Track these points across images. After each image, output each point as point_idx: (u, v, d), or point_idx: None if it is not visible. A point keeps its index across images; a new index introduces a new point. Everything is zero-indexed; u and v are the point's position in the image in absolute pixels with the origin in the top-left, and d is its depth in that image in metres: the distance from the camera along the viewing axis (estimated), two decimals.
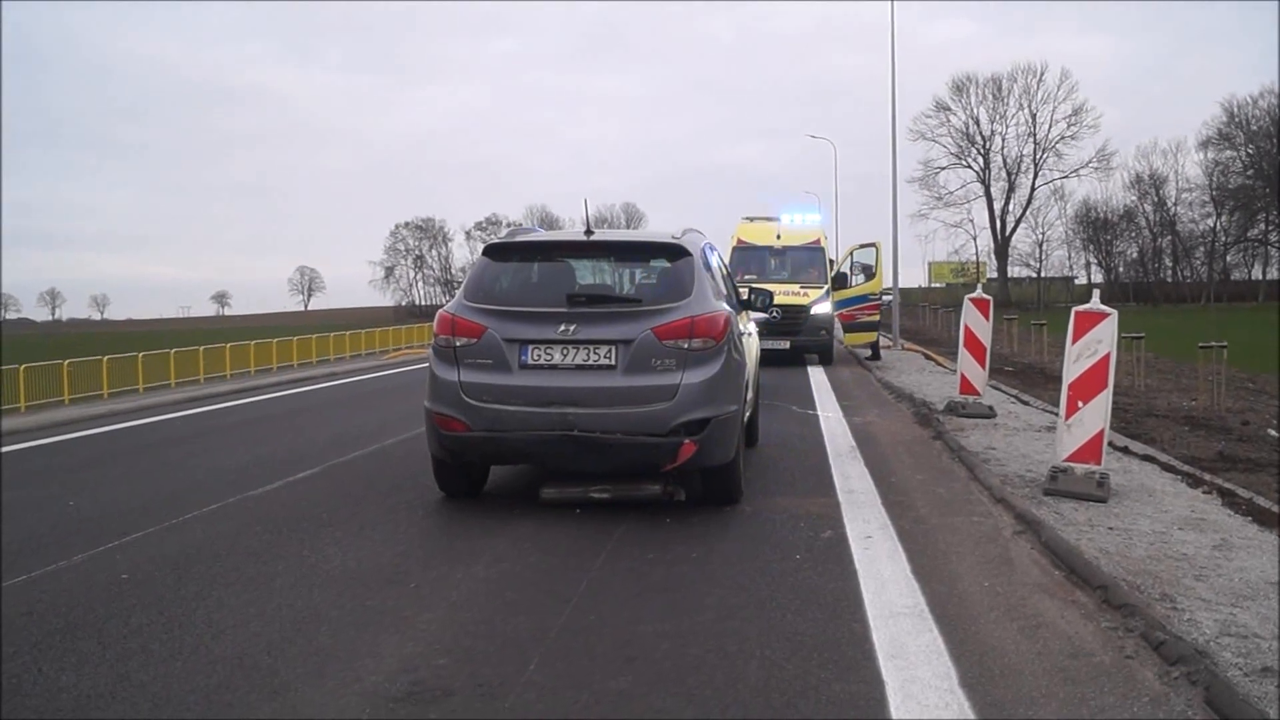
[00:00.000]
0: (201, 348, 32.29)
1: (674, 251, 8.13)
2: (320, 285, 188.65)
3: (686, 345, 7.44)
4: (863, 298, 26.21)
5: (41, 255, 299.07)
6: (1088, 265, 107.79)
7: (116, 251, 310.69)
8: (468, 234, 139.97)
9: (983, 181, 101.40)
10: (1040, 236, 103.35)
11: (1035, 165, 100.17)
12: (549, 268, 8.36)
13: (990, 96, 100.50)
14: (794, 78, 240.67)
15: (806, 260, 25.15)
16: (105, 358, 27.00)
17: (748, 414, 8.99)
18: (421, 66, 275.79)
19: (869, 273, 26.70)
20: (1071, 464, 8.10)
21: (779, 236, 25.59)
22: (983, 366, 13.57)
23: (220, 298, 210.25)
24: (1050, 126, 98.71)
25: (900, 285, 38.46)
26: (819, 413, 14.17)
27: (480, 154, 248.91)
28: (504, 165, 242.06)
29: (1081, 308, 8.22)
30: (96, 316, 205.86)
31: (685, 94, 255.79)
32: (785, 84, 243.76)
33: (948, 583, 5.86)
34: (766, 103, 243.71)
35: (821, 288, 23.98)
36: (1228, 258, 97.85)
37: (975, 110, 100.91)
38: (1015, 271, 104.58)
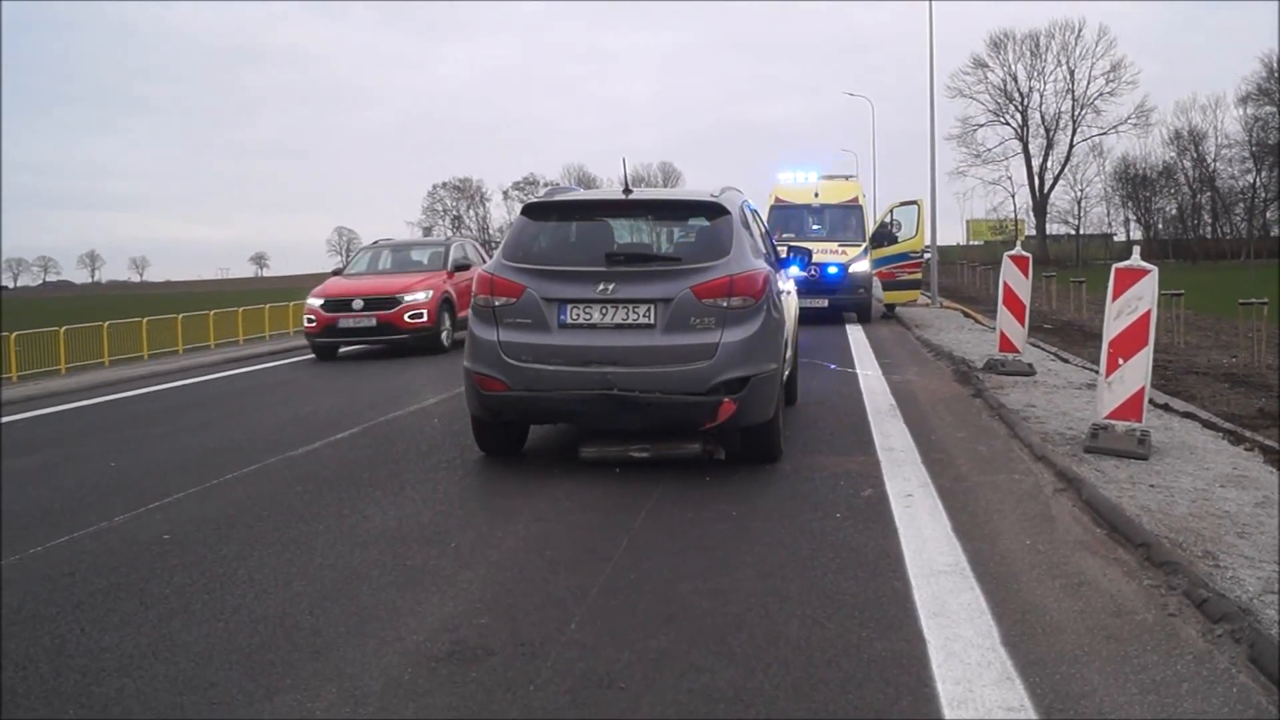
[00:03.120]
0: (240, 309, 32.39)
1: (712, 210, 8.08)
2: (359, 246, 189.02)
3: (726, 304, 7.41)
4: (903, 255, 25.84)
5: (81, 217, 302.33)
6: (1126, 222, 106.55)
7: (155, 214, 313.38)
8: (505, 194, 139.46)
9: (1021, 139, 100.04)
10: (1079, 193, 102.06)
11: (1074, 122, 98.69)
12: (588, 227, 8.33)
13: (1028, 53, 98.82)
14: (830, 33, 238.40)
15: (844, 218, 24.92)
16: (145, 319, 27.14)
17: (787, 372, 8.96)
18: (454, 23, 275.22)
19: (890, 230, 26.19)
20: (1112, 421, 8.03)
21: (817, 194, 25.37)
22: (1022, 324, 13.44)
23: (259, 259, 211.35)
24: (1088, 83, 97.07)
25: (939, 243, 38.03)
26: (858, 371, 14.10)
27: (516, 113, 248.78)
28: (540, 124, 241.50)
29: (1122, 264, 8.12)
30: (135, 278, 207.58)
31: (722, 50, 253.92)
32: (822, 40, 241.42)
33: (989, 541, 5.83)
34: (803, 59, 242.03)
35: (860, 245, 23.82)
36: (1268, 214, 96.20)
37: (1013, 67, 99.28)
38: (1054, 229, 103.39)
